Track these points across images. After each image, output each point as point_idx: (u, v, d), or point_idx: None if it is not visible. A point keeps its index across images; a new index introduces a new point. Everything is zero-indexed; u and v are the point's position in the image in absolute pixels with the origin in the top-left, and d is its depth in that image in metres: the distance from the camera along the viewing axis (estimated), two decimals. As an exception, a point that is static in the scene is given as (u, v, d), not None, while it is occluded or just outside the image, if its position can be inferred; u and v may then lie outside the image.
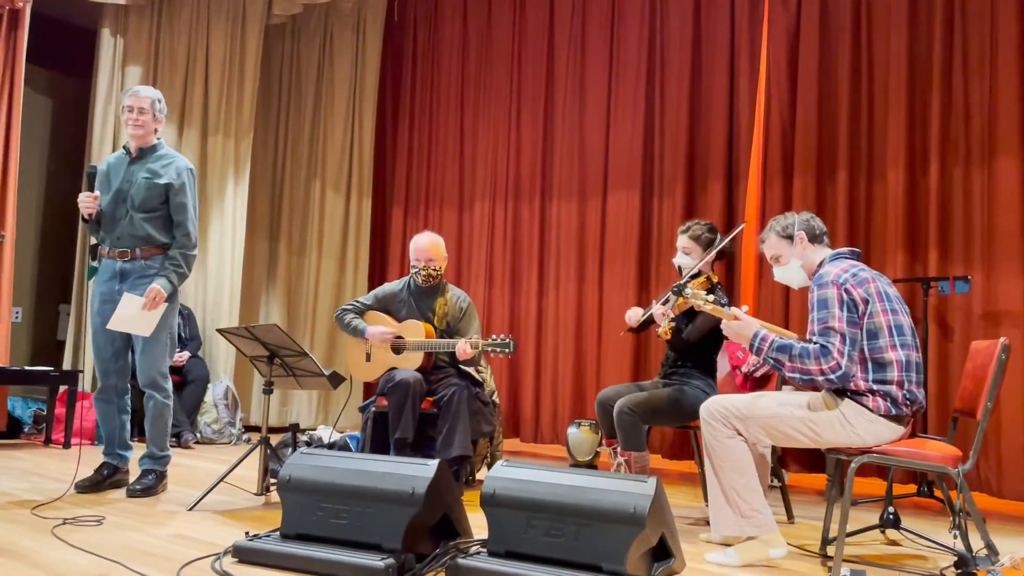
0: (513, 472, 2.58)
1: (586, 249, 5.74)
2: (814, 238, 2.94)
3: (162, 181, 3.62)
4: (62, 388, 5.19)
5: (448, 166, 6.48)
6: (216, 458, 4.96)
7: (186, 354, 5.73)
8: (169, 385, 3.74)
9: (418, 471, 2.59)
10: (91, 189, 3.62)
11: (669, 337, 3.43)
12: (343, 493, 2.61)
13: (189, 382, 5.68)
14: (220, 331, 3.72)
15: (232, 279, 6.24)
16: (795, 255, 2.95)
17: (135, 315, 3.51)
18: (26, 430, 5.42)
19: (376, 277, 6.63)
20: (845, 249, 2.90)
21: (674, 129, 5.43)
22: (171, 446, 5.33)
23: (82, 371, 5.49)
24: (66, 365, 5.82)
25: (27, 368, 5.21)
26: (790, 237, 2.96)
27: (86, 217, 3.68)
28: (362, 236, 6.75)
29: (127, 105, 3.65)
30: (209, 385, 5.81)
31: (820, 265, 2.88)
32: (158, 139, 3.75)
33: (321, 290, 6.65)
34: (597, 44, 5.83)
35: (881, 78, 4.76)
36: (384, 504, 2.56)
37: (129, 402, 3.86)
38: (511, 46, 6.23)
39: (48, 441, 5.18)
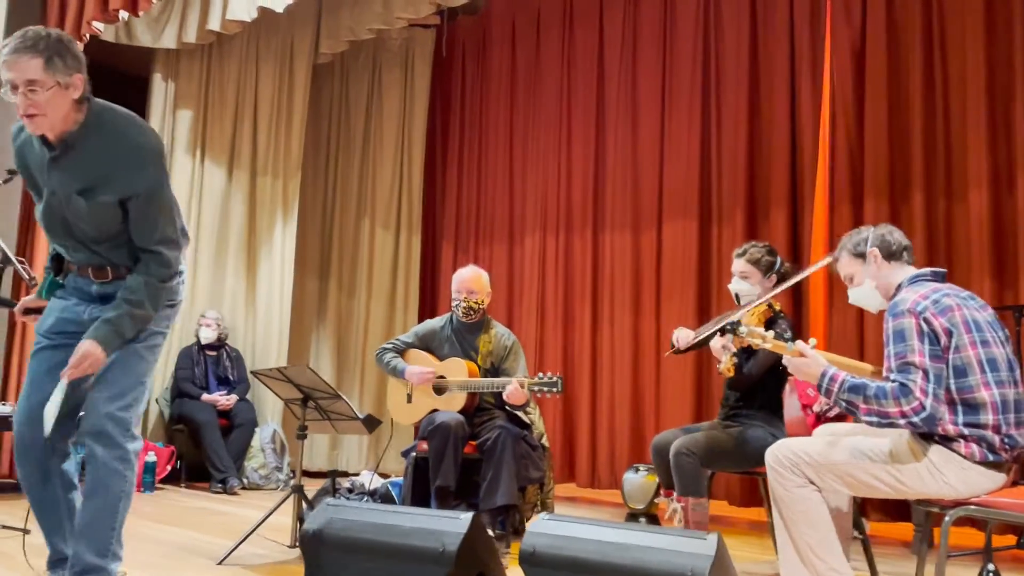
0: (556, 527, 2.31)
1: (642, 281, 5.46)
2: (890, 255, 2.60)
3: (110, 198, 2.26)
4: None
5: (498, 200, 6.31)
6: (260, 505, 4.79)
7: (234, 397, 5.63)
8: (132, 446, 2.33)
9: (449, 526, 2.34)
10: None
11: (732, 374, 3.10)
12: (370, 550, 2.38)
13: (237, 426, 5.56)
14: (254, 373, 3.56)
15: (281, 320, 6.15)
16: (869, 275, 2.62)
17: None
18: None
19: (426, 315, 6.43)
20: (927, 270, 2.56)
21: (732, 153, 5.14)
22: (216, 492, 5.30)
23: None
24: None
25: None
26: (862, 255, 2.63)
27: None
28: (412, 274, 6.61)
29: (6, 79, 2.18)
30: (256, 429, 5.68)
31: (898, 289, 2.56)
32: (85, 101, 2.26)
33: (371, 329, 6.51)
34: (649, 67, 5.61)
35: (957, 90, 4.40)
36: (413, 563, 2.32)
37: (74, 472, 2.49)
38: (560, 75, 6.05)
39: (95, 487, 5.09)
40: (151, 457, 5.23)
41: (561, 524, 2.32)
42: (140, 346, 2.38)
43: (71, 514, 2.42)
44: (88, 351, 2.25)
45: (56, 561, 2.44)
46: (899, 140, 4.55)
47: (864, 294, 2.65)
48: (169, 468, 5.42)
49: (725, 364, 3.00)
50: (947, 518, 2.31)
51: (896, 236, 2.62)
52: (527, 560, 2.27)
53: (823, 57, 4.87)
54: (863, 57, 4.68)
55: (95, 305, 2.41)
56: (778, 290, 3.28)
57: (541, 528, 2.32)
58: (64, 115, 2.23)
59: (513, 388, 3.50)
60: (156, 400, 5.73)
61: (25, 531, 3.61)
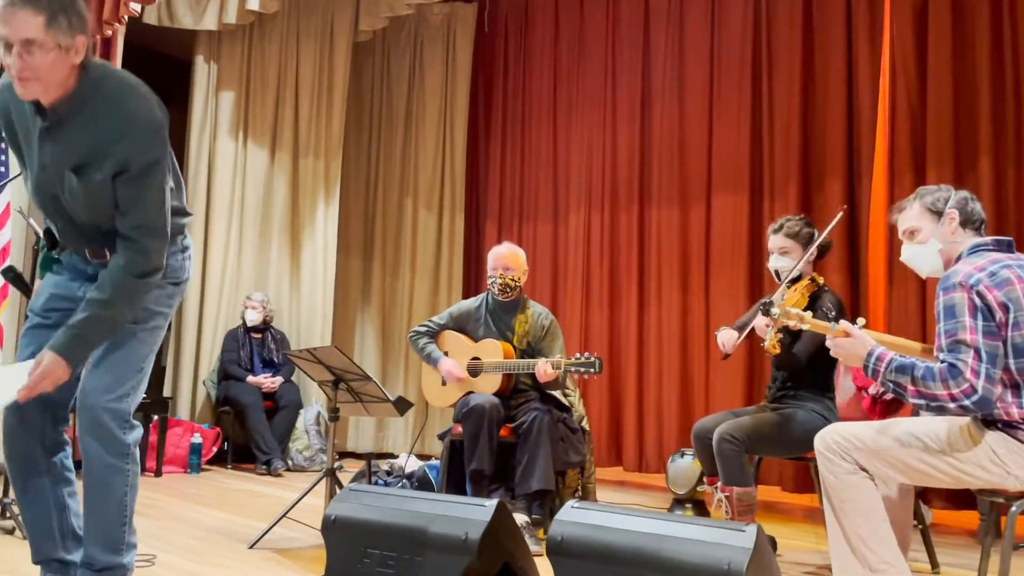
0: (585, 516, 2.19)
1: (690, 257, 5.26)
2: (967, 222, 2.37)
3: (104, 174, 2.03)
4: (156, 416, 5.14)
5: (542, 177, 6.15)
6: (302, 487, 4.75)
7: (279, 379, 5.62)
8: (131, 437, 2.16)
9: (472, 513, 2.24)
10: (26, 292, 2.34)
11: (778, 351, 2.90)
12: (390, 537, 2.29)
13: (281, 408, 5.55)
14: (286, 354, 3.51)
15: (325, 301, 6.12)
16: (938, 236, 2.38)
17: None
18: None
19: (471, 295, 6.34)
20: (989, 239, 2.32)
21: (785, 122, 4.89)
22: (261, 473, 5.31)
23: (171, 398, 5.46)
24: (167, 392, 5.81)
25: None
26: (939, 213, 2.38)
27: None
28: (455, 253, 6.51)
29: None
30: (301, 411, 5.67)
31: (958, 259, 2.34)
32: (85, 68, 2.02)
33: (415, 309, 6.43)
34: (697, 33, 5.37)
35: (1029, 49, 4.10)
36: (435, 551, 2.22)
37: (70, 466, 2.28)
38: (604, 46, 5.85)
39: (142, 469, 5.13)
40: (197, 439, 5.26)
41: (590, 513, 2.20)
42: (139, 329, 2.18)
43: (60, 511, 2.22)
44: (48, 370, 1.97)
45: (41, 561, 2.22)
46: (964, 104, 4.25)
47: (924, 253, 2.41)
48: (215, 449, 5.45)
49: (770, 341, 2.81)
50: (1013, 509, 2.12)
51: (977, 206, 2.41)
52: (555, 550, 2.15)
53: (882, 17, 4.58)
54: (925, 15, 4.39)
55: (91, 284, 2.15)
56: (808, 254, 3.07)
57: (569, 516, 2.20)
58: (60, 81, 1.97)
59: (541, 368, 3.37)
60: (203, 382, 5.76)
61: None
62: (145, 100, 2.06)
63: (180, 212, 2.28)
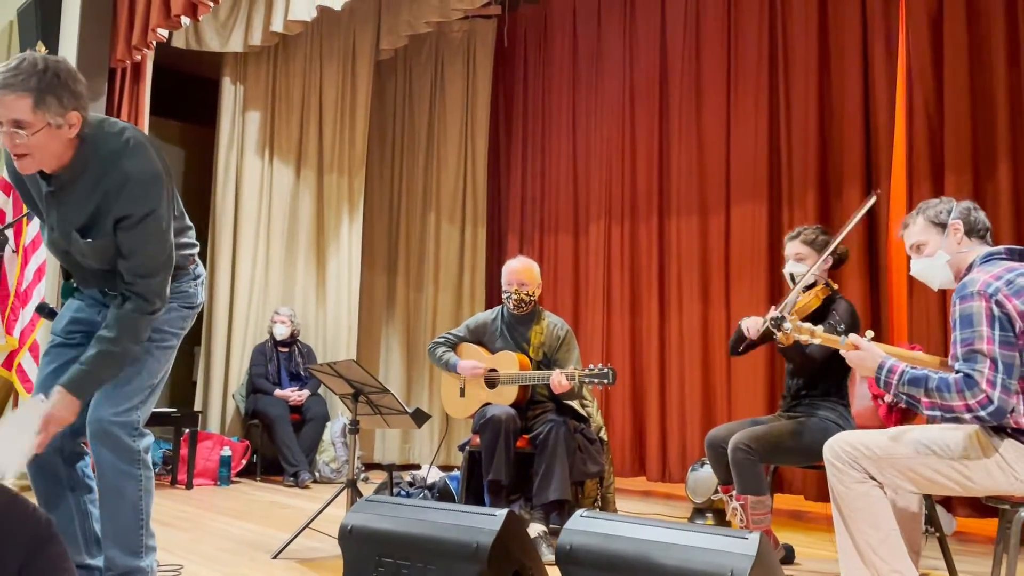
0: (593, 524, 2.23)
1: (710, 267, 5.28)
2: (972, 231, 2.38)
3: (108, 229, 2.12)
4: (186, 430, 5.26)
5: (562, 189, 6.21)
6: (328, 499, 4.85)
7: (306, 392, 5.71)
8: (141, 443, 2.25)
9: (483, 522, 2.29)
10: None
11: (790, 342, 2.92)
12: (403, 546, 2.35)
13: (308, 420, 5.65)
14: (309, 368, 3.59)
15: (350, 315, 6.22)
16: (944, 248, 2.39)
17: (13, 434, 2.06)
18: (156, 471, 5.55)
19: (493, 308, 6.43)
20: (1001, 248, 2.32)
21: (802, 131, 4.90)
22: (288, 485, 5.41)
23: (201, 412, 5.58)
24: (197, 406, 5.94)
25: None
26: (943, 225, 2.40)
27: None
28: (478, 266, 6.59)
29: None
30: (327, 423, 5.76)
31: (970, 268, 2.35)
32: (82, 137, 2.08)
33: (439, 322, 6.51)
34: (713, 46, 5.40)
35: (1047, 52, 4.07)
36: (447, 560, 2.27)
37: (90, 474, 2.39)
38: (622, 60, 5.90)
39: (174, 482, 5.27)
40: (227, 451, 5.38)
41: (599, 521, 2.24)
42: (154, 347, 2.27)
43: (83, 518, 2.31)
44: (57, 410, 2.04)
45: None
46: (982, 110, 4.23)
47: (932, 267, 2.42)
48: (244, 462, 5.56)
49: (780, 334, 2.83)
50: (1020, 514, 2.12)
51: (980, 215, 2.42)
52: (563, 559, 2.19)
53: (897, 25, 4.58)
54: (940, 21, 4.38)
55: (108, 310, 2.24)
56: (822, 260, 3.11)
57: (577, 525, 2.24)
58: (57, 154, 2.04)
59: (555, 379, 3.42)
60: (232, 396, 5.88)
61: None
62: (140, 154, 2.11)
63: (187, 245, 2.39)
